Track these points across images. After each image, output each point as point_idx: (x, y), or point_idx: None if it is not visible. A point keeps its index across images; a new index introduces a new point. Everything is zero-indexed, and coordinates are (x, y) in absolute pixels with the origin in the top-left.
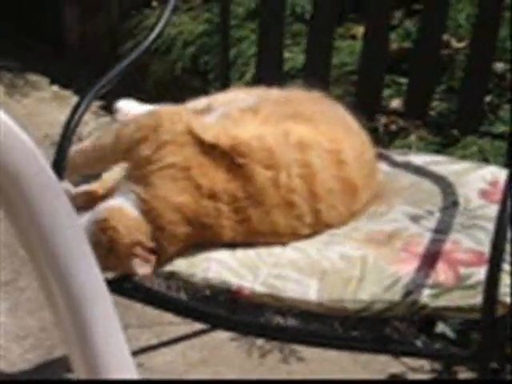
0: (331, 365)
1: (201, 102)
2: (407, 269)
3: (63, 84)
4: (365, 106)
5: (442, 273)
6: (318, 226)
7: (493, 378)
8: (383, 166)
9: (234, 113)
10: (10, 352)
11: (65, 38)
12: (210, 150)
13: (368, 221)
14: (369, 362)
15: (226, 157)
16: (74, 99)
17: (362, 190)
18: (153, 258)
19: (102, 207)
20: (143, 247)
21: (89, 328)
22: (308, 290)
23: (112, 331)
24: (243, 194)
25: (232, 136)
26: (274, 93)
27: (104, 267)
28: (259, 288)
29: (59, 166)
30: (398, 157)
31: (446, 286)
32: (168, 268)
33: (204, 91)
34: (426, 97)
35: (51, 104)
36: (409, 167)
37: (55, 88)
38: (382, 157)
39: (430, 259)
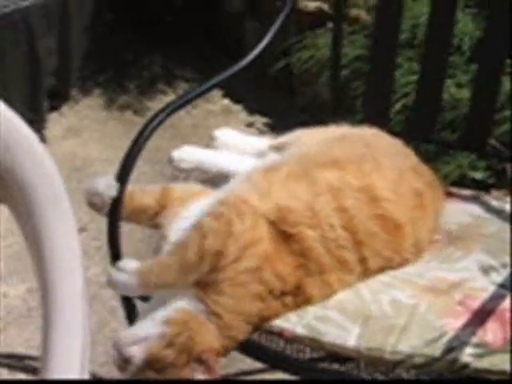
0: None
1: (284, 137)
2: (456, 323)
3: (235, 99)
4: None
5: (490, 332)
6: (366, 274)
7: None
8: (476, 209)
9: (254, 174)
10: None
11: (245, 53)
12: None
13: (438, 264)
14: None
15: (278, 229)
16: (243, 115)
17: (408, 224)
18: (215, 372)
19: (171, 308)
20: (210, 353)
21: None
22: (347, 336)
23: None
24: (304, 272)
25: (276, 207)
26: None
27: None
28: (300, 330)
29: (122, 179)
30: (494, 201)
31: (492, 347)
32: None
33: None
34: None
35: (218, 117)
36: (501, 213)
37: (226, 101)
38: (477, 200)
39: (482, 315)
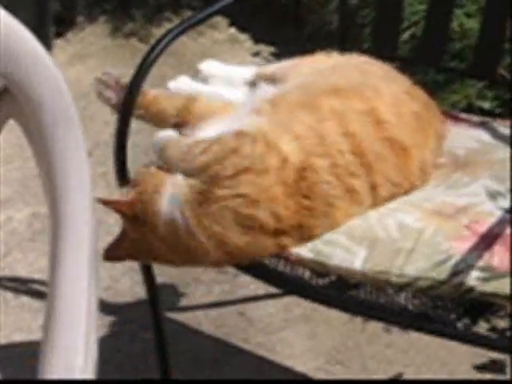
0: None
1: (271, 67)
2: (462, 247)
3: (242, 27)
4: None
5: (496, 256)
6: (377, 203)
7: None
8: (483, 135)
9: (263, 106)
10: (120, 283)
11: None
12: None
13: (445, 190)
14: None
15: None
16: (249, 44)
17: (413, 147)
18: None
19: None
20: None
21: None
22: (354, 259)
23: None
24: (307, 214)
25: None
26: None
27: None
28: (306, 253)
29: (128, 103)
30: (502, 128)
31: (498, 271)
32: None
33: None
34: None
35: (225, 46)
36: (509, 140)
37: (232, 30)
38: (485, 126)
39: (488, 240)
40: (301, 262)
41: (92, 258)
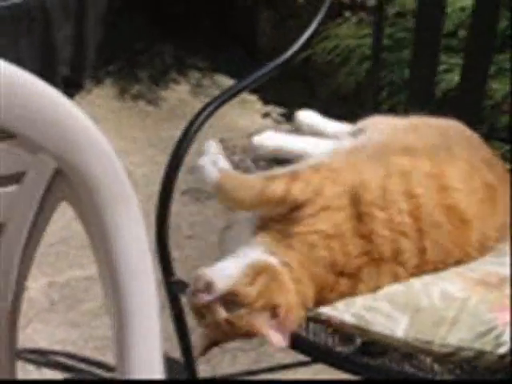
0: None
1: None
2: (506, 318)
3: (250, 89)
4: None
5: None
6: (422, 267)
7: None
8: None
9: (339, 159)
10: None
11: (257, 42)
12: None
13: (490, 259)
14: None
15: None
16: (258, 105)
17: (476, 218)
18: (286, 330)
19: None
20: (286, 308)
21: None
22: (396, 327)
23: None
24: (367, 259)
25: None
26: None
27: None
28: (348, 318)
29: (171, 171)
30: None
31: None
32: None
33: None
34: None
35: (234, 107)
36: None
37: None
38: None
39: None
40: (342, 327)
41: (160, 343)
